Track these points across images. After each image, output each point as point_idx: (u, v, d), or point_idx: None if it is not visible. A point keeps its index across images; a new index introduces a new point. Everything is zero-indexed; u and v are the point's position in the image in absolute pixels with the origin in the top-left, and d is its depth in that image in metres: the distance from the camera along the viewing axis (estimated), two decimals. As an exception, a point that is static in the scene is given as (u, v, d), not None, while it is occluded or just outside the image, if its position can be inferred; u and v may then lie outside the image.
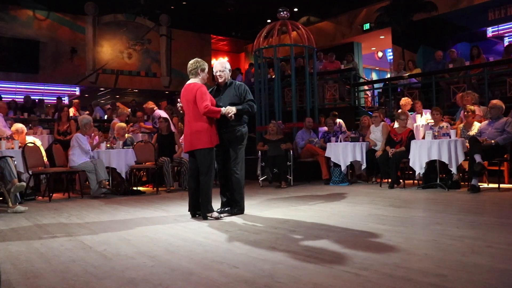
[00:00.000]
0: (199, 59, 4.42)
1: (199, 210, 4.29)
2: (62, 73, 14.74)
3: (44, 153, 6.73)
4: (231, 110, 4.19)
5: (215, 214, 4.18)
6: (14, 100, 11.82)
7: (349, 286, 2.12)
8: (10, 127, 6.99)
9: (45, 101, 12.27)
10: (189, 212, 4.40)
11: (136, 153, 6.99)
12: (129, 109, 11.73)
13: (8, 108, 9.93)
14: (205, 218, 4.16)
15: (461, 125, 6.51)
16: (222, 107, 4.25)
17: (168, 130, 7.46)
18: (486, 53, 11.25)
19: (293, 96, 8.78)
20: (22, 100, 11.73)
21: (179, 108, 4.41)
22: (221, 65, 4.44)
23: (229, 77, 4.53)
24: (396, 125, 6.99)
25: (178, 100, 4.41)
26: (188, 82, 4.35)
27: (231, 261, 2.63)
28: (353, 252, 2.77)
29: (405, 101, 7.80)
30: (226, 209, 4.47)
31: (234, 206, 4.45)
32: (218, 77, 4.44)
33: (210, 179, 4.22)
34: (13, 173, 5.18)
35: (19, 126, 6.78)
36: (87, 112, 10.98)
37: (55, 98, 12.35)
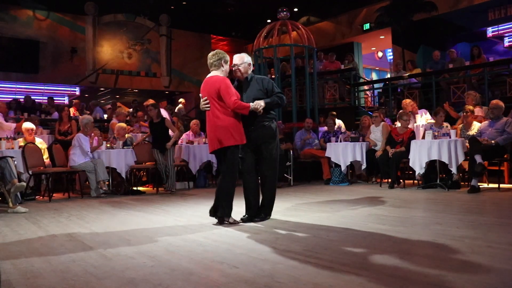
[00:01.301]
0: (220, 51, 4.06)
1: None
2: (62, 73, 14.74)
3: (47, 154, 6.75)
4: (259, 104, 3.85)
5: (232, 219, 3.87)
6: (14, 99, 11.80)
7: (349, 286, 2.12)
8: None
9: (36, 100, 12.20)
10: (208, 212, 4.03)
11: (136, 153, 6.99)
12: (130, 109, 11.74)
13: (9, 108, 9.95)
14: (221, 222, 3.86)
15: (461, 125, 6.51)
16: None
17: (158, 116, 7.01)
18: (486, 53, 11.27)
19: (293, 96, 8.78)
20: (23, 100, 11.73)
21: (205, 104, 3.93)
22: (239, 58, 4.08)
23: (250, 71, 4.14)
24: (398, 125, 7.00)
25: (200, 95, 4.00)
26: (210, 75, 3.99)
27: (231, 261, 2.63)
28: (353, 252, 2.77)
29: (406, 102, 7.79)
30: (248, 216, 4.06)
31: (261, 210, 4.07)
32: (236, 71, 4.07)
33: (234, 179, 3.90)
34: (13, 173, 5.18)
35: (32, 125, 6.80)
36: (87, 112, 10.99)
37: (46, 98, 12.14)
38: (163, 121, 7.00)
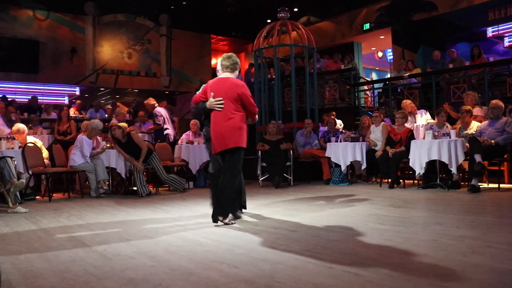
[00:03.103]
0: (234, 55, 4.14)
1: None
2: (62, 73, 14.72)
3: (45, 154, 6.74)
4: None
5: (228, 219, 3.87)
6: (14, 99, 11.79)
7: (349, 286, 2.12)
8: (11, 127, 7.00)
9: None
10: (211, 218, 3.96)
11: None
12: (129, 108, 11.71)
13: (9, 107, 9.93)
14: (215, 221, 3.90)
15: (460, 125, 6.52)
16: None
17: (124, 135, 6.66)
18: (486, 53, 11.27)
19: (293, 96, 8.78)
20: (27, 100, 11.71)
21: (218, 103, 3.91)
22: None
23: None
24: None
25: (212, 94, 3.96)
26: (223, 76, 4.05)
27: (231, 261, 2.63)
28: (353, 252, 2.77)
29: (407, 103, 7.78)
30: (242, 213, 4.31)
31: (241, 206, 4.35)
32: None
33: (238, 179, 4.02)
34: (13, 173, 5.18)
35: (20, 126, 6.77)
36: (83, 113, 11.02)
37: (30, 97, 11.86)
38: (131, 137, 6.69)
